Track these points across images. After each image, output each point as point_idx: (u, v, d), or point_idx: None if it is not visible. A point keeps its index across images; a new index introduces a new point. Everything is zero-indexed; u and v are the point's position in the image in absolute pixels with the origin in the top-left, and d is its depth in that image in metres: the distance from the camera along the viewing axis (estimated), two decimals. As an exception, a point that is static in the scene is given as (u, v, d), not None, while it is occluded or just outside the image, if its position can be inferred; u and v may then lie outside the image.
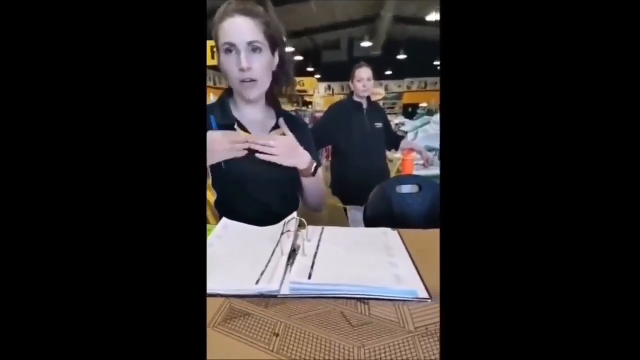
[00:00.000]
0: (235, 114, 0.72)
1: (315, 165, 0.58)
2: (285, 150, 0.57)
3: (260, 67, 0.65)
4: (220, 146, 0.60)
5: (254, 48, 0.64)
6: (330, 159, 1.98)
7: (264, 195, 0.59)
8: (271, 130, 0.72)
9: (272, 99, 0.76)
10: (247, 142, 0.56)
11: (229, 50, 0.64)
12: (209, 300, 0.40)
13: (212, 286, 0.42)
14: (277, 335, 0.34)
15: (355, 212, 1.61)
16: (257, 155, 0.58)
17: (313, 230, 0.62)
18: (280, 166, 0.71)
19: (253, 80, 0.65)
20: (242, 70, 0.63)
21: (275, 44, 0.68)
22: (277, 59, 0.71)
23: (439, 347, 0.32)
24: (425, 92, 10.24)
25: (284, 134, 0.69)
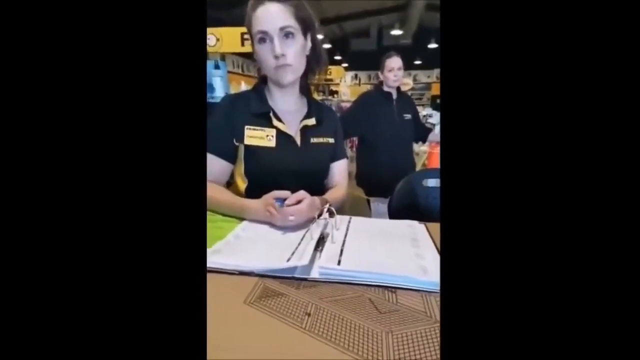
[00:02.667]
0: (270, 102, 0.73)
1: (328, 205, 0.60)
2: (302, 216, 0.58)
3: (294, 52, 0.66)
4: (256, 207, 0.62)
5: (286, 33, 0.64)
6: (355, 149, 1.98)
7: (291, 185, 0.62)
8: (302, 119, 0.74)
9: (305, 87, 0.77)
10: (275, 212, 0.58)
11: (262, 39, 0.65)
12: (243, 278, 0.43)
13: (246, 264, 0.45)
14: (309, 315, 0.36)
15: (379, 204, 1.60)
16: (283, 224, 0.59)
17: (341, 219, 0.64)
18: (308, 159, 0.73)
19: (288, 65, 0.66)
20: (276, 57, 0.65)
21: (306, 27, 0.68)
22: (309, 43, 0.71)
23: (465, 338, 0.33)
24: (456, 83, 9.79)
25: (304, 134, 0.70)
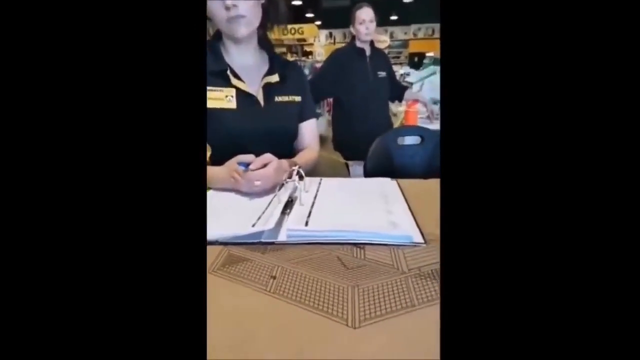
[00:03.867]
0: (226, 59, 0.67)
1: (297, 167, 0.57)
2: (269, 181, 0.55)
3: (246, 1, 0.59)
4: (220, 174, 0.58)
5: None
6: (331, 112, 1.92)
7: (258, 148, 0.58)
8: (264, 76, 0.68)
9: (264, 40, 0.71)
10: (239, 178, 0.55)
11: None
12: (207, 247, 0.41)
13: (209, 233, 0.43)
14: (274, 278, 0.35)
15: (357, 167, 1.60)
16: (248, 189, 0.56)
17: (311, 181, 0.62)
18: (274, 120, 0.68)
19: (241, 16, 0.60)
20: (227, 8, 0.58)
21: None
22: None
23: (430, 286, 0.33)
24: (433, 40, 9.53)
25: (272, 83, 0.65)
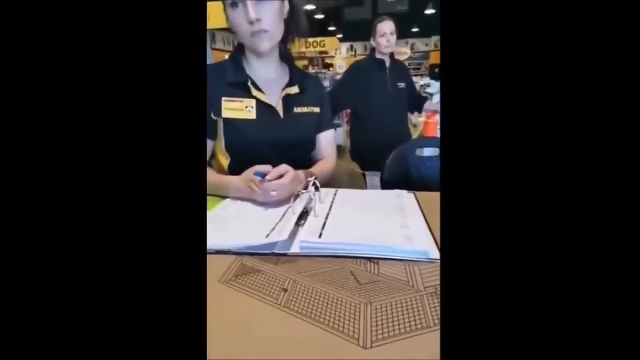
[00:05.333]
0: (248, 71, 0.69)
1: (314, 178, 0.57)
2: (285, 191, 0.55)
3: (269, 16, 0.61)
4: (237, 184, 0.59)
5: None
6: (349, 122, 1.93)
7: (276, 158, 0.59)
8: (284, 88, 0.70)
9: (285, 54, 0.72)
10: (256, 188, 0.56)
11: (234, 3, 0.60)
12: (220, 256, 0.42)
13: (223, 243, 0.43)
14: (286, 291, 0.35)
15: (374, 178, 1.58)
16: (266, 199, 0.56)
17: (326, 192, 0.61)
18: (292, 130, 0.69)
19: (264, 31, 0.62)
20: (251, 22, 0.60)
21: None
22: (286, 5, 0.66)
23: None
24: (455, 51, 9.45)
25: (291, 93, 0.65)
